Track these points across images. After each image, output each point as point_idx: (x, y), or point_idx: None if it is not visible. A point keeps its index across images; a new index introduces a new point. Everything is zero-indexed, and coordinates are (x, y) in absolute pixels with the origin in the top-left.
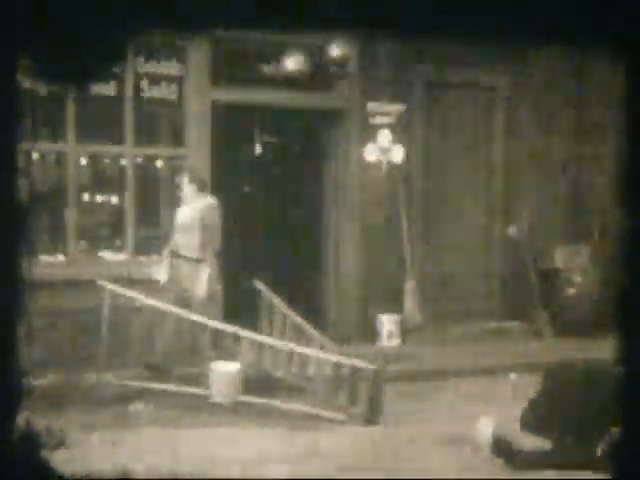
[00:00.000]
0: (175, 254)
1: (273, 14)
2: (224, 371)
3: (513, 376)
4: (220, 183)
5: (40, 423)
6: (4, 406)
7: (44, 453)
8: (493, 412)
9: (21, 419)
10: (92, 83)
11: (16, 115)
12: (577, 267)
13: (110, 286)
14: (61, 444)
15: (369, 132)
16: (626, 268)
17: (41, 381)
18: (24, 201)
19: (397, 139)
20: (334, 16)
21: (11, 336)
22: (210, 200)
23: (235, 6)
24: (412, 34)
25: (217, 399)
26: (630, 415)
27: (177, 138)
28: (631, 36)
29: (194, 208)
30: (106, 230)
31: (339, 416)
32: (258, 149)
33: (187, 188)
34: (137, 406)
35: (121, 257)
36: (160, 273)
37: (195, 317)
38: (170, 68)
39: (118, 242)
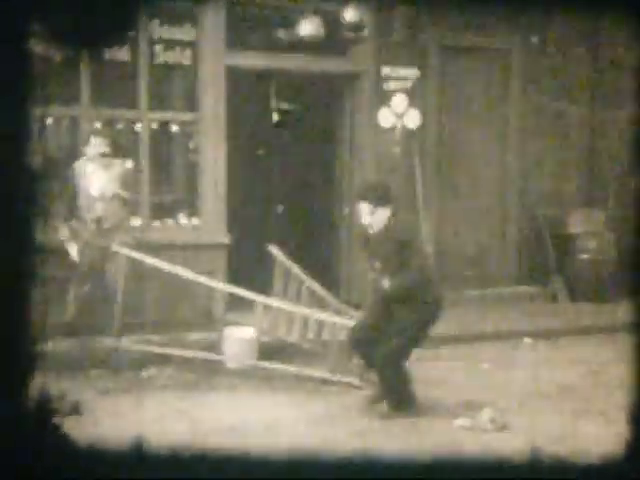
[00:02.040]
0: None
1: None
2: (238, 337)
3: (528, 340)
4: (235, 147)
5: (54, 389)
6: (17, 373)
7: (58, 419)
8: (506, 377)
9: (35, 385)
10: (105, 48)
11: (29, 80)
12: (592, 232)
13: (125, 251)
14: (75, 410)
15: (384, 97)
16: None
17: (56, 346)
18: (37, 166)
19: (412, 104)
20: None
21: (24, 302)
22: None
23: None
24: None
25: (231, 364)
26: None
27: (192, 103)
28: None
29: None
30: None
31: (355, 381)
32: (273, 114)
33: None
34: (152, 371)
35: (136, 222)
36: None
37: (209, 281)
38: (184, 33)
39: (133, 207)
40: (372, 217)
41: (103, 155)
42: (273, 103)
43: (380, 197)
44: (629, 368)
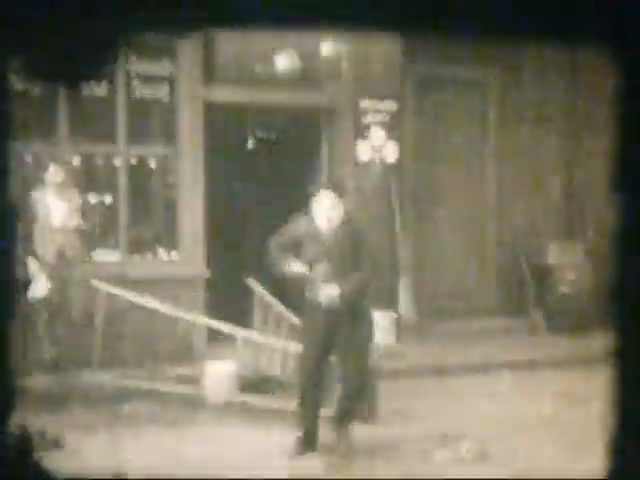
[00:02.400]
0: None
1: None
2: (219, 371)
3: (507, 372)
4: (214, 181)
5: (35, 425)
6: None
7: (38, 454)
8: (486, 409)
9: (15, 420)
10: (84, 82)
11: (6, 115)
12: (571, 264)
13: (104, 286)
14: (56, 445)
15: (362, 130)
16: (618, 267)
17: (38, 381)
18: (13, 201)
19: (390, 137)
20: (329, 14)
21: (3, 336)
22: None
23: (234, 5)
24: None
25: (212, 399)
26: (626, 413)
27: (170, 138)
28: (621, 36)
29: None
30: (99, 230)
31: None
32: (250, 147)
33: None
34: (133, 406)
35: (115, 257)
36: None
37: (190, 316)
38: (162, 68)
39: (112, 241)
40: (333, 210)
41: (62, 185)
42: (250, 135)
43: (343, 188)
44: (608, 400)
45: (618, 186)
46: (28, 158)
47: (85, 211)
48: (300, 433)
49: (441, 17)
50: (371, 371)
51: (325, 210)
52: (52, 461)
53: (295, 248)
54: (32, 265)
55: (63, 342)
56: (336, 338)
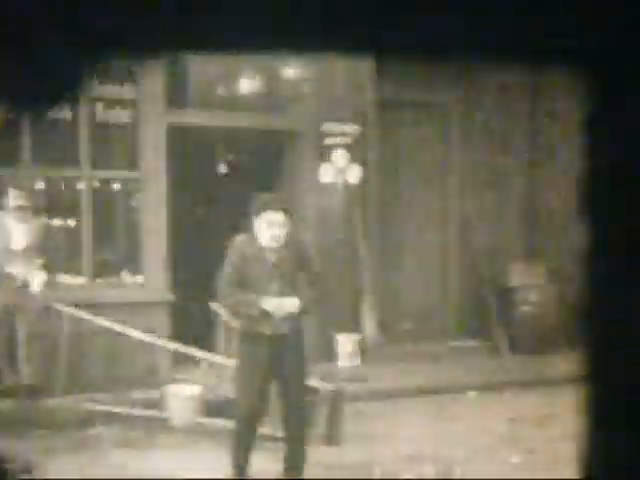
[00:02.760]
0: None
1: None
2: (183, 394)
3: (471, 393)
4: (178, 204)
5: (4, 448)
6: None
7: (9, 478)
8: (450, 431)
9: None
10: (52, 109)
11: None
12: (533, 284)
13: (68, 309)
14: (26, 470)
15: (324, 152)
16: (584, 287)
17: (1, 407)
18: None
19: (353, 159)
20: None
21: None
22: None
23: (210, 30)
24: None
25: (176, 422)
26: (598, 433)
27: (133, 161)
28: (587, 56)
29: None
30: (63, 254)
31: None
32: (222, 172)
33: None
34: (97, 430)
35: (79, 281)
36: None
37: (154, 339)
38: (124, 92)
39: (76, 265)
40: (280, 229)
41: (21, 208)
42: (220, 154)
43: (290, 207)
44: (574, 420)
45: (585, 205)
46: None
47: (47, 235)
48: (233, 469)
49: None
50: (308, 397)
51: (272, 229)
52: None
53: (242, 275)
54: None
55: (30, 366)
56: (279, 367)
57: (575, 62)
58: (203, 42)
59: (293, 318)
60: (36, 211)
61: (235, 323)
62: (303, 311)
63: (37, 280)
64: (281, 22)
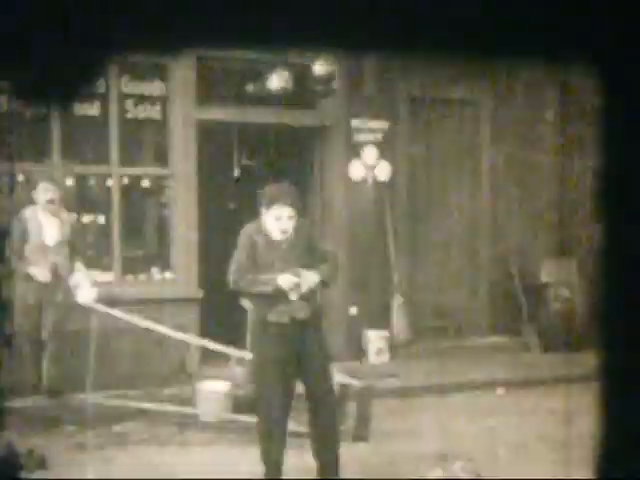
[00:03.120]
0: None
1: (255, 34)
2: (212, 390)
3: (501, 390)
4: (207, 201)
5: (25, 445)
6: None
7: (24, 474)
8: (479, 427)
9: (1, 441)
10: (70, 103)
11: None
12: (563, 281)
13: (98, 306)
14: (41, 465)
15: (354, 149)
16: (602, 285)
17: (31, 403)
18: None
19: (382, 156)
20: (316, 35)
21: None
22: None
23: (219, 26)
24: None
25: (206, 418)
26: (612, 432)
27: (163, 158)
28: (602, 53)
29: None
30: (93, 250)
31: None
32: (241, 167)
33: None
34: (126, 426)
35: (108, 277)
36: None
37: (183, 336)
38: (154, 88)
39: (105, 262)
40: (288, 223)
41: (52, 202)
42: (236, 158)
43: (299, 201)
44: (595, 418)
45: (601, 203)
46: (21, 178)
47: (75, 229)
48: (265, 468)
49: (425, 38)
50: (335, 389)
51: (280, 223)
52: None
53: (253, 262)
54: (78, 271)
55: (59, 363)
56: (299, 358)
57: (591, 60)
58: (226, 39)
59: (312, 303)
60: (67, 206)
61: (250, 314)
62: (322, 285)
63: (86, 290)
64: (299, 21)
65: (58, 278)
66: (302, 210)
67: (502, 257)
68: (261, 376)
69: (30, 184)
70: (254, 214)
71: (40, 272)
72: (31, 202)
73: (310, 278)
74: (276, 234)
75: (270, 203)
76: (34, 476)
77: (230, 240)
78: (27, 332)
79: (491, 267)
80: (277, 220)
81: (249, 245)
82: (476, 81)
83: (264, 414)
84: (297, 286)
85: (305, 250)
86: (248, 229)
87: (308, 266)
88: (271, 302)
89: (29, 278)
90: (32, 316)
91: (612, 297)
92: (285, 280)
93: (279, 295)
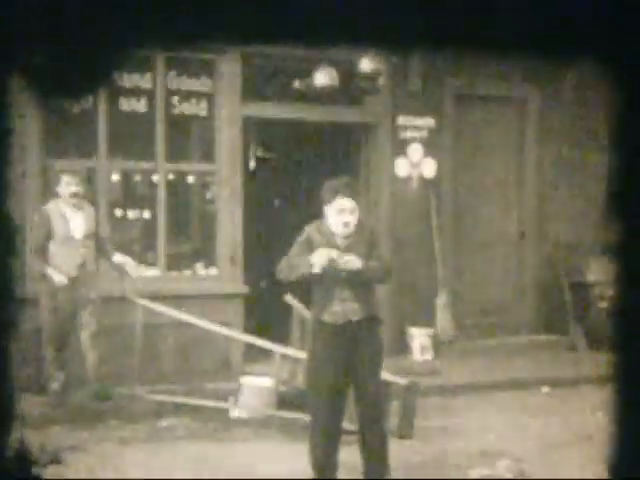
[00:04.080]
0: None
1: (283, 30)
2: (256, 386)
3: (545, 389)
4: (251, 198)
5: (72, 439)
6: None
7: (37, 469)
8: (524, 426)
9: (14, 436)
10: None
11: (5, 131)
12: (610, 280)
13: (142, 301)
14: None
15: (400, 146)
16: (624, 285)
17: (75, 396)
18: (13, 217)
19: (428, 153)
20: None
21: (3, 351)
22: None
23: (265, 23)
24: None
25: (249, 414)
26: (629, 432)
27: (208, 154)
28: (618, 51)
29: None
30: (138, 246)
31: None
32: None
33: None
34: (170, 421)
35: (153, 273)
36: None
37: (228, 331)
38: (201, 84)
39: (150, 257)
40: (351, 216)
41: (75, 195)
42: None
43: (359, 193)
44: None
45: (619, 202)
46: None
47: (99, 222)
48: (314, 467)
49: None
50: (385, 388)
51: (343, 216)
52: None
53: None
54: (49, 280)
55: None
56: (352, 359)
57: (607, 59)
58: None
59: (367, 306)
60: (87, 198)
61: (307, 314)
62: (365, 277)
63: (131, 266)
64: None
65: (86, 273)
66: (362, 204)
67: (548, 255)
68: (314, 375)
69: (53, 178)
70: (299, 211)
71: (57, 274)
72: (54, 196)
73: (350, 259)
74: (338, 228)
75: (332, 196)
76: (47, 471)
77: (275, 236)
78: (54, 332)
79: (537, 265)
80: (339, 213)
81: (305, 242)
82: (523, 78)
83: (316, 413)
84: (333, 261)
85: (365, 251)
86: (308, 228)
87: None
88: (326, 302)
89: (47, 280)
90: (59, 316)
91: (629, 299)
92: (318, 256)
93: (323, 282)
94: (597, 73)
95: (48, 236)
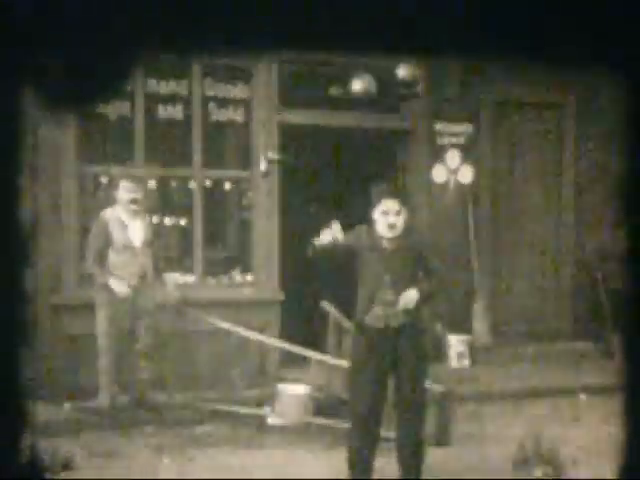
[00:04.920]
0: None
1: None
2: (292, 393)
3: (583, 397)
4: (287, 204)
5: (105, 445)
6: (8, 430)
7: (49, 475)
8: (561, 433)
9: (26, 442)
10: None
11: (17, 136)
12: None
13: (184, 308)
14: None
15: (437, 153)
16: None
17: (110, 403)
18: (26, 222)
19: (465, 159)
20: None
21: (14, 357)
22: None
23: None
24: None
25: (285, 421)
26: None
27: (245, 160)
28: (632, 55)
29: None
30: (174, 252)
31: None
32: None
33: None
34: (205, 428)
35: (190, 279)
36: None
37: (264, 338)
38: (237, 90)
39: (187, 264)
40: (397, 217)
41: (134, 202)
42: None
43: (406, 196)
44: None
45: (624, 207)
46: (104, 180)
47: (157, 229)
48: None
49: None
50: (427, 394)
51: (388, 217)
52: None
53: (347, 256)
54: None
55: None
56: (394, 365)
57: (617, 67)
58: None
59: (409, 312)
60: (148, 206)
61: (343, 321)
62: (422, 300)
63: (171, 283)
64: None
65: (146, 282)
66: (407, 207)
67: (586, 262)
68: (355, 377)
69: (112, 184)
70: (336, 217)
71: (119, 285)
72: (112, 203)
73: (407, 300)
74: (384, 230)
75: (378, 198)
76: (59, 477)
77: (311, 243)
78: (110, 343)
79: (574, 272)
80: (384, 214)
81: (352, 234)
82: (561, 84)
83: (356, 418)
84: (336, 240)
85: (412, 259)
86: (360, 226)
87: (412, 276)
88: (368, 305)
89: (109, 290)
90: (116, 326)
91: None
92: (325, 233)
93: (367, 285)
94: (611, 80)
95: (107, 244)
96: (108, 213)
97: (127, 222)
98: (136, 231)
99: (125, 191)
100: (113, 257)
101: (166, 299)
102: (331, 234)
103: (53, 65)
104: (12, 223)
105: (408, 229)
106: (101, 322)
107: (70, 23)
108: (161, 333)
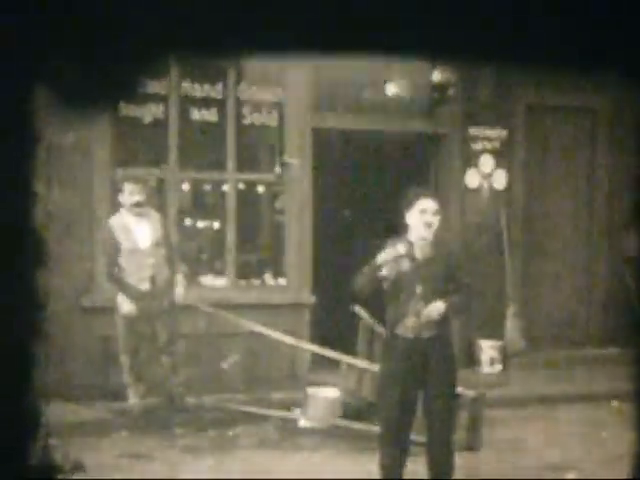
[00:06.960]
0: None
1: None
2: (322, 396)
3: (615, 403)
4: (319, 207)
5: (137, 447)
6: (20, 431)
7: (61, 477)
8: (593, 440)
9: (38, 444)
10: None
11: (29, 141)
12: None
13: (210, 309)
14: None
15: (470, 157)
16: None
17: (142, 405)
18: (37, 226)
19: (499, 164)
20: (434, 47)
21: (27, 360)
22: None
23: (336, 35)
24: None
25: (315, 424)
26: None
27: (278, 163)
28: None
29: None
30: (207, 255)
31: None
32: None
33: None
34: (236, 430)
35: (222, 282)
36: None
37: (295, 341)
38: (271, 94)
39: (219, 266)
40: (435, 217)
41: (139, 204)
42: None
43: (440, 196)
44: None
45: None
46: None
47: (167, 230)
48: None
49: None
50: (458, 399)
51: (426, 217)
52: None
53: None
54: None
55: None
56: (424, 374)
57: (628, 72)
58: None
59: (438, 323)
60: (155, 205)
61: (374, 326)
62: (451, 312)
63: (180, 285)
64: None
65: (159, 285)
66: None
67: (618, 267)
68: (385, 387)
69: (116, 187)
70: (369, 221)
71: (126, 305)
72: (117, 208)
73: (433, 309)
74: (420, 230)
75: (414, 198)
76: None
77: (344, 247)
78: (130, 343)
79: (606, 277)
80: (422, 213)
81: (393, 251)
82: (594, 89)
83: (386, 424)
84: (400, 257)
85: (444, 270)
86: (394, 241)
87: (444, 288)
88: (400, 315)
89: (129, 288)
90: (135, 326)
91: None
92: (385, 253)
93: (399, 296)
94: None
95: (116, 251)
96: (112, 220)
97: (132, 226)
98: (143, 233)
99: (129, 194)
100: (123, 263)
101: (179, 299)
102: (394, 252)
103: (70, 66)
104: (25, 224)
105: (439, 240)
106: (119, 324)
107: (86, 27)
108: (183, 334)
